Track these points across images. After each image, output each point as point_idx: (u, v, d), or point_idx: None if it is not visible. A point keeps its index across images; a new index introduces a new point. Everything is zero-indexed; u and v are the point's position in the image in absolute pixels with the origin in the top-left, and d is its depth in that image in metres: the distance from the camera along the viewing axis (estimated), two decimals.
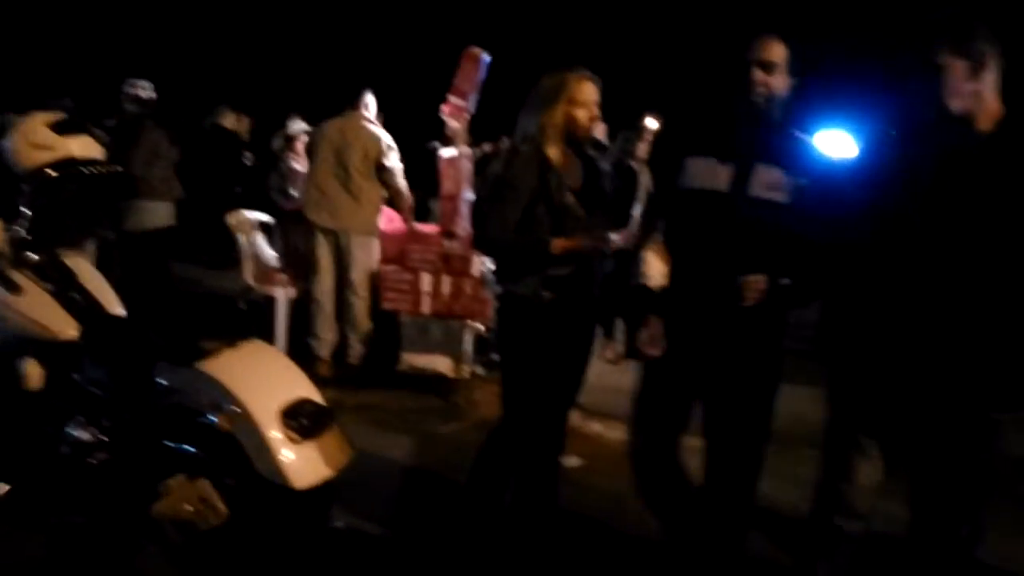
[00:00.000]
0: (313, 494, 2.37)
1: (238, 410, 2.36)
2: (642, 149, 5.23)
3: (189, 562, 2.53)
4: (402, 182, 4.74)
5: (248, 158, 5.82)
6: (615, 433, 4.04)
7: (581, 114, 2.60)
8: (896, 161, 2.07)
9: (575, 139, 2.65)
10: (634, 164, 5.19)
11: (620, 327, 5.41)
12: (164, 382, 2.56)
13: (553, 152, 2.61)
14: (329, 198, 4.60)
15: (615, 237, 5.11)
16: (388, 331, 4.73)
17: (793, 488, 3.44)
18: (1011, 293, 1.93)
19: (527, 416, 2.65)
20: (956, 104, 1.95)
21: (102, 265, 4.63)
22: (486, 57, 4.76)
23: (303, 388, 2.49)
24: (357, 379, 4.59)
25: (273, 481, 2.33)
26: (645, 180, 5.18)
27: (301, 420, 2.36)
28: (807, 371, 4.90)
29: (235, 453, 2.38)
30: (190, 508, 2.35)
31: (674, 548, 2.65)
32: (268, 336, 4.86)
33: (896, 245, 2.03)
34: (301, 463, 2.34)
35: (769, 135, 2.32)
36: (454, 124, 4.81)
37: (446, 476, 3.42)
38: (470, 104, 4.78)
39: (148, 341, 2.63)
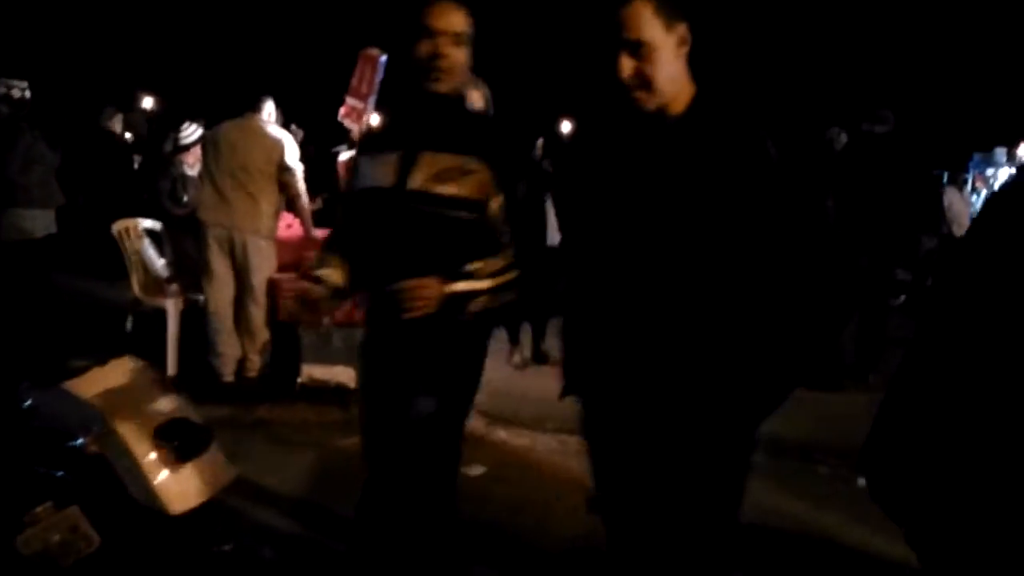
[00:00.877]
0: (191, 517, 2.25)
1: (108, 431, 2.22)
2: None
3: None
4: (302, 185, 4.60)
5: (136, 161, 5.54)
6: (520, 440, 4.04)
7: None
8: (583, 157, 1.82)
9: None
10: (540, 166, 5.24)
11: (526, 332, 5.45)
12: (30, 403, 2.39)
13: None
14: (227, 200, 4.41)
15: None
16: (288, 343, 4.58)
17: None
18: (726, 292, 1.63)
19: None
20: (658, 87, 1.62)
21: None
22: (383, 57, 4.69)
23: (178, 407, 2.36)
24: (255, 393, 4.43)
25: (147, 505, 2.21)
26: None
27: (175, 441, 2.24)
28: None
29: (107, 477, 2.24)
30: (58, 537, 2.19)
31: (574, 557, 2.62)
32: (159, 351, 4.65)
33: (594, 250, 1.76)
34: (177, 486, 2.23)
35: (442, 117, 2.03)
36: (351, 125, 4.73)
37: (346, 491, 3.31)
38: (369, 105, 4.70)
39: (12, 360, 2.45)
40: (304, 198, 4.64)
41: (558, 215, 4.40)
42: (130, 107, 8.14)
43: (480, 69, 2.41)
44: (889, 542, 3.02)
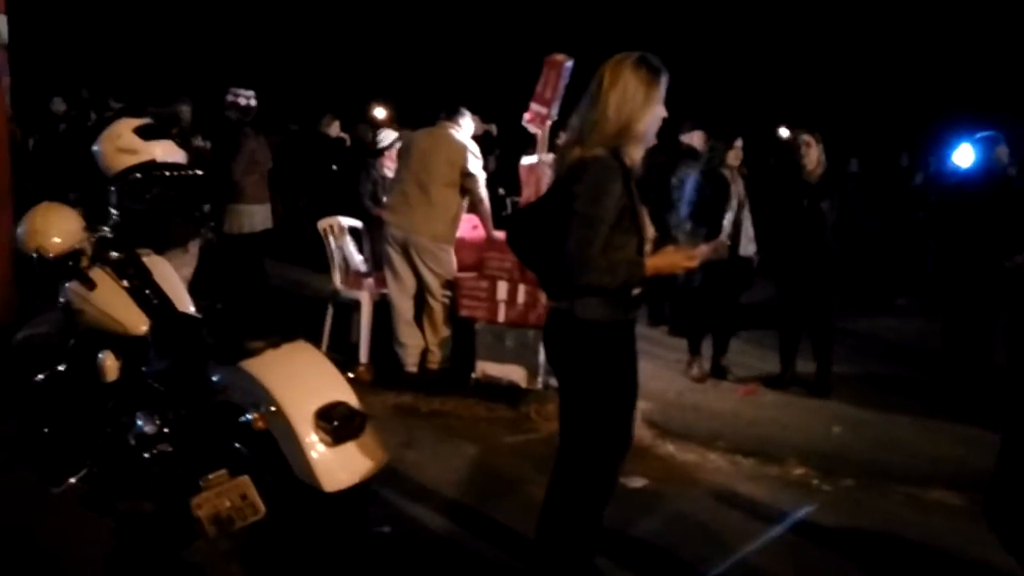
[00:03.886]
0: (346, 497, 2.36)
1: (274, 409, 2.39)
2: (732, 156, 5.01)
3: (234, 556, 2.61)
4: (483, 191, 4.74)
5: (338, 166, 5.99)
6: (688, 455, 3.86)
7: (660, 115, 2.33)
8: None
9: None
10: (725, 172, 4.99)
11: (707, 344, 5.21)
12: (214, 379, 2.63)
13: (633, 161, 2.33)
14: (409, 205, 4.65)
15: (704, 248, 4.94)
16: (466, 339, 4.72)
17: None
18: None
19: (593, 450, 2.41)
20: None
21: (204, 264, 4.92)
22: (569, 63, 4.70)
23: (340, 391, 2.49)
24: (434, 385, 4.61)
25: (306, 482, 2.34)
26: (738, 187, 4.98)
27: (334, 422, 2.36)
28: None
29: (272, 452, 2.41)
30: (228, 503, 2.39)
31: None
32: (351, 339, 4.98)
33: None
34: (332, 465, 2.34)
35: None
36: (535, 130, 4.78)
37: (505, 487, 3.36)
38: (553, 111, 4.73)
39: (201, 339, 2.71)
40: (486, 203, 4.76)
41: None
42: (362, 117, 8.78)
43: None
44: None
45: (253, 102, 5.47)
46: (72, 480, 2.96)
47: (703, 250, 5.12)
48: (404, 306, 4.76)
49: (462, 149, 4.66)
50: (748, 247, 4.97)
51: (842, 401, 4.73)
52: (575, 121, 2.39)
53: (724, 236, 4.83)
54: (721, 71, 11.36)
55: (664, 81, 2.31)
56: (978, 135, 5.28)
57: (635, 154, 2.31)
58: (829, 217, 4.73)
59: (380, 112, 9.47)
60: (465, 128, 4.82)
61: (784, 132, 6.22)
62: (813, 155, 4.78)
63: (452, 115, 4.78)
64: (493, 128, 7.41)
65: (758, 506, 3.34)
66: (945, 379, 5.15)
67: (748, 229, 4.97)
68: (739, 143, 5.01)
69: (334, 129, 7.65)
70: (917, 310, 7.58)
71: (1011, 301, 4.74)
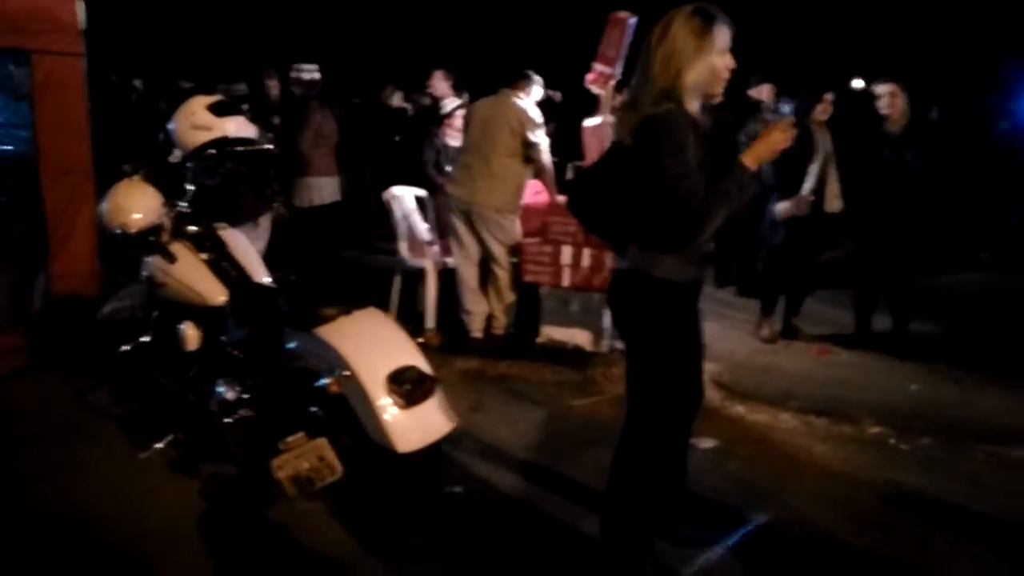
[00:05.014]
0: (416, 458, 2.42)
1: (348, 374, 2.46)
2: (820, 111, 4.84)
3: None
4: (547, 158, 4.71)
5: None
6: (758, 416, 3.82)
7: (721, 64, 2.25)
8: None
9: (709, 96, 2.30)
10: (811, 125, 4.84)
11: (781, 305, 5.10)
12: (291, 346, 2.72)
13: (695, 112, 2.26)
14: (471, 175, 4.67)
15: (787, 205, 4.81)
16: (530, 304, 4.74)
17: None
18: None
19: (663, 411, 2.40)
20: None
21: (276, 237, 5.07)
22: (632, 20, 4.60)
23: (410, 355, 2.55)
24: (500, 350, 4.66)
25: (379, 443, 2.42)
26: (824, 142, 4.82)
27: (405, 386, 2.42)
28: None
29: (347, 415, 2.49)
30: (307, 465, 2.49)
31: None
32: (418, 308, 5.06)
33: None
34: (404, 427, 2.40)
35: None
36: (599, 91, 4.72)
37: (573, 449, 3.39)
38: (617, 70, 4.65)
39: (277, 308, 2.80)
40: (549, 169, 4.75)
41: None
42: (419, 86, 8.81)
43: None
44: None
45: (317, 76, 5.55)
46: (159, 446, 3.12)
47: (785, 206, 4.98)
48: (469, 273, 4.81)
49: (523, 118, 4.64)
50: (834, 204, 4.81)
51: (920, 360, 4.58)
52: (633, 80, 2.36)
53: (807, 192, 4.70)
54: (790, 23, 10.94)
55: (722, 30, 2.22)
56: None
57: (691, 107, 2.23)
58: (913, 168, 4.54)
59: (440, 79, 9.50)
60: (533, 94, 4.79)
61: (858, 83, 6.00)
62: (898, 105, 4.58)
63: (515, 82, 4.76)
64: (557, 95, 7.33)
65: (831, 466, 3.29)
66: None
67: (834, 185, 4.80)
68: (829, 96, 4.82)
69: (396, 99, 7.69)
70: (1001, 265, 7.26)
71: None
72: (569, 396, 4.02)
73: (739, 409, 3.87)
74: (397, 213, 5.24)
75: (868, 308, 4.90)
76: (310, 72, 5.51)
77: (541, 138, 4.67)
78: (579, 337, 4.52)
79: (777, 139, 2.24)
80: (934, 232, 4.99)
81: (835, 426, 3.69)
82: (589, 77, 4.76)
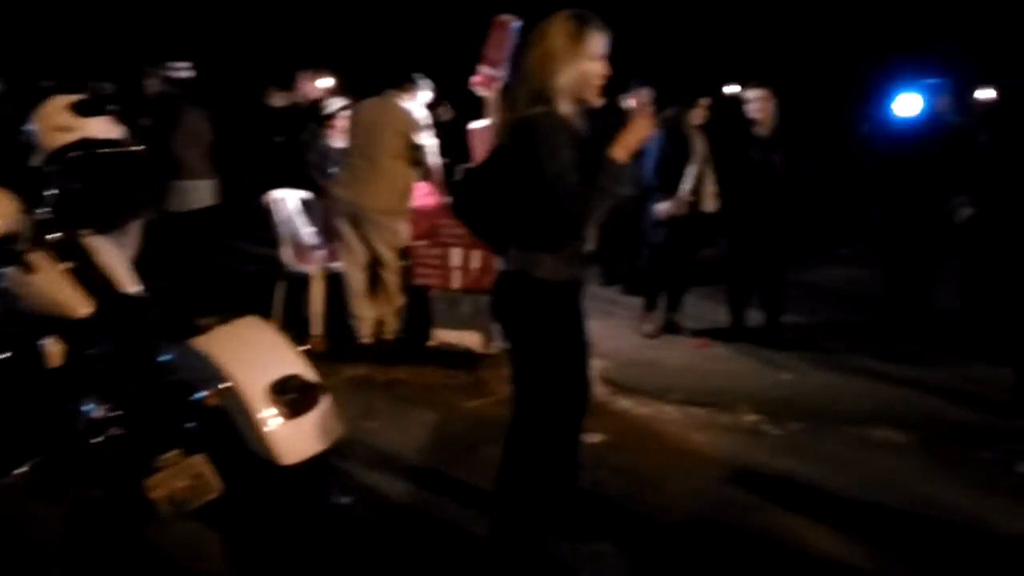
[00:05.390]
0: (302, 470, 2.36)
1: (228, 385, 2.37)
2: (695, 116, 5.06)
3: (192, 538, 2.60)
4: (434, 160, 4.70)
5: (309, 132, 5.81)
6: (643, 409, 3.94)
7: (594, 70, 2.29)
8: None
9: (582, 100, 2.34)
10: (688, 130, 5.04)
11: (663, 301, 5.29)
12: (163, 359, 2.59)
13: (569, 114, 2.30)
14: (357, 178, 4.61)
15: (667, 205, 5.01)
16: (420, 307, 4.72)
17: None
18: None
19: (548, 411, 2.44)
20: None
21: (148, 244, 4.80)
22: (516, 23, 4.65)
23: (293, 364, 2.47)
24: (390, 355, 4.61)
25: (262, 456, 2.34)
26: (700, 145, 5.03)
27: (290, 395, 2.35)
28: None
29: (226, 429, 2.40)
30: (184, 483, 2.38)
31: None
32: (303, 314, 4.94)
33: None
34: (288, 438, 2.33)
35: None
36: (485, 94, 4.74)
37: (466, 451, 3.39)
38: (502, 73, 4.69)
39: (149, 319, 2.66)
40: (437, 172, 4.74)
41: None
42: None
43: None
44: None
45: (189, 74, 5.31)
46: (20, 470, 2.90)
47: (665, 206, 5.20)
48: (357, 278, 4.73)
49: (408, 119, 4.61)
50: (710, 204, 5.05)
51: (791, 350, 4.87)
52: (511, 81, 2.41)
53: (686, 193, 4.92)
54: (667, 31, 11.37)
55: (596, 36, 2.28)
56: (921, 84, 5.40)
57: (564, 109, 2.28)
58: (781, 170, 4.81)
59: (323, 81, 9.29)
60: (419, 98, 4.77)
61: (730, 89, 6.35)
62: (767, 109, 4.85)
63: (401, 84, 4.72)
64: (447, 111, 7.26)
65: (711, 454, 3.44)
66: (887, 324, 5.33)
67: (710, 186, 5.04)
68: (704, 101, 5.07)
69: (278, 100, 7.47)
70: (860, 259, 7.79)
71: (964, 250, 4.91)
72: (461, 398, 4.02)
73: (625, 403, 3.98)
74: (279, 217, 5.09)
75: (742, 303, 5.16)
76: (182, 70, 5.27)
77: (427, 140, 4.65)
78: (470, 339, 4.53)
79: (641, 128, 2.28)
80: (800, 230, 5.32)
81: (714, 416, 3.86)
82: (475, 80, 4.79)
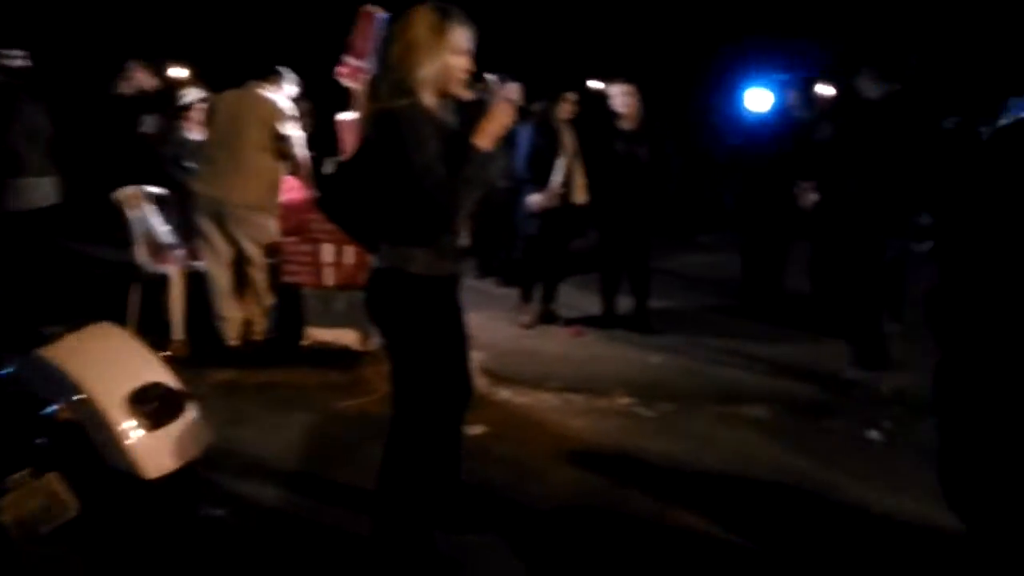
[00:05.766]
0: (169, 483, 2.23)
1: (81, 398, 2.20)
2: (564, 110, 5.15)
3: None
4: (301, 152, 4.55)
5: (150, 124, 5.46)
6: (523, 398, 3.99)
7: (457, 64, 2.27)
8: None
9: (446, 93, 2.32)
10: (556, 124, 5.13)
11: (538, 291, 5.38)
12: (5, 372, 2.37)
13: (432, 107, 2.27)
14: (218, 171, 4.39)
15: (539, 197, 5.10)
16: (292, 305, 4.55)
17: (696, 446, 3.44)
18: None
19: (428, 407, 2.41)
20: None
21: None
22: (382, 14, 4.57)
23: (153, 371, 2.33)
24: (261, 357, 4.43)
25: (124, 471, 2.19)
26: (569, 138, 5.13)
27: (151, 405, 2.21)
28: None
29: (82, 444, 2.22)
30: (36, 504, 2.18)
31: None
32: (166, 316, 4.66)
33: None
34: (151, 451, 2.20)
35: None
36: (352, 85, 4.64)
37: (346, 452, 3.31)
38: (369, 64, 4.60)
39: None
40: (305, 165, 4.59)
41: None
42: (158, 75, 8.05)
43: None
44: (898, 498, 2.93)
45: (24, 63, 4.87)
46: None
47: (537, 199, 5.29)
48: (222, 278, 4.51)
49: (274, 110, 4.44)
50: (580, 195, 5.16)
51: (659, 334, 5.07)
52: (376, 74, 2.37)
53: (556, 185, 5.01)
54: (530, 25, 11.53)
55: (459, 30, 2.27)
56: (770, 79, 5.75)
57: (428, 101, 2.25)
58: (645, 162, 4.99)
59: (177, 71, 8.79)
60: (285, 91, 4.60)
61: (594, 84, 6.53)
62: (632, 104, 5.01)
63: (266, 76, 4.54)
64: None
65: (590, 438, 3.53)
66: (746, 307, 5.67)
67: (579, 178, 5.15)
68: (572, 96, 5.17)
69: (129, 89, 6.99)
70: (718, 245, 8.22)
71: (812, 234, 5.26)
72: (338, 398, 3.92)
73: (505, 393, 4.02)
74: (132, 215, 4.77)
75: (613, 291, 5.32)
76: (16, 59, 4.82)
77: (294, 131, 4.50)
78: (346, 337, 4.41)
79: (501, 115, 2.27)
80: (663, 219, 5.54)
81: (590, 401, 3.97)
82: (341, 70, 4.67)
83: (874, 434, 3.57)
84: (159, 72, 8.04)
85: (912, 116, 4.14)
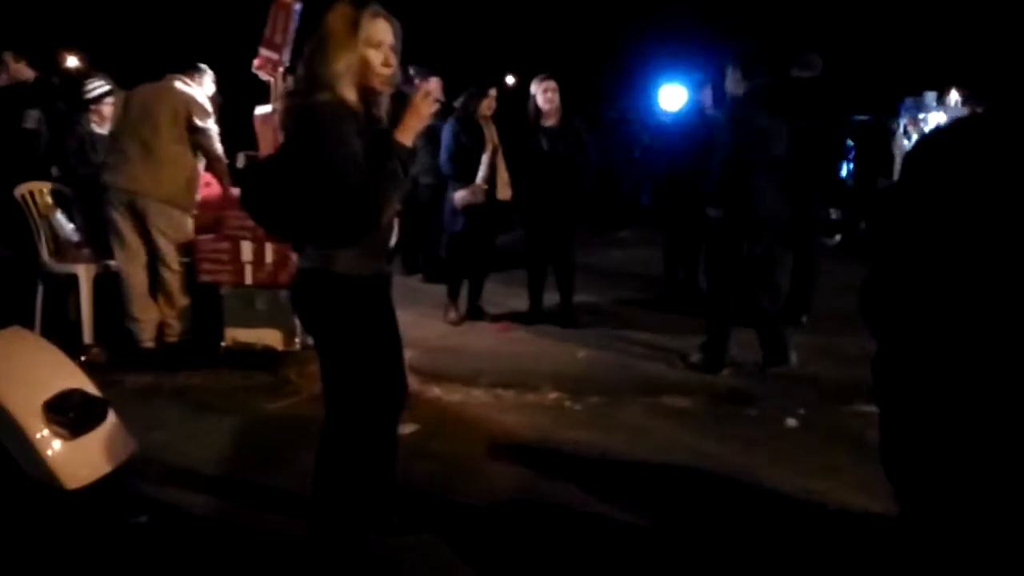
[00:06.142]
0: (90, 492, 2.12)
1: None
2: (486, 106, 5.15)
3: None
4: (217, 146, 4.40)
5: (32, 119, 5.18)
6: (454, 395, 3.98)
7: (375, 58, 2.21)
8: None
9: (367, 89, 2.26)
10: (479, 120, 5.12)
11: (464, 288, 5.37)
12: None
13: (353, 102, 2.22)
14: (131, 163, 4.21)
15: (463, 194, 5.09)
16: (210, 306, 4.40)
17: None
18: None
19: (361, 408, 2.37)
20: None
21: None
22: (297, 5, 4.48)
23: (71, 377, 2.22)
24: (177, 359, 4.27)
25: (43, 482, 2.07)
26: (491, 134, 5.13)
27: (69, 413, 2.10)
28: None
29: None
30: None
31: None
32: (73, 319, 4.44)
33: None
34: (71, 461, 2.10)
35: None
36: (266, 77, 4.53)
37: (273, 455, 3.23)
38: (284, 56, 4.50)
39: None
40: (221, 159, 4.44)
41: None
42: (52, 68, 7.64)
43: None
44: (811, 480, 3.07)
45: None
46: None
47: (462, 195, 5.28)
48: (136, 277, 4.32)
49: (188, 102, 4.29)
50: (504, 191, 5.16)
51: (585, 328, 5.15)
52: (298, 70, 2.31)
53: (480, 181, 5.00)
54: (448, 22, 11.50)
55: (375, 22, 2.22)
56: (684, 78, 5.91)
57: (347, 96, 2.19)
58: (567, 158, 5.05)
59: (73, 60, 8.36)
60: (204, 87, 4.47)
61: (510, 80, 6.60)
62: (555, 100, 5.05)
63: (183, 70, 4.41)
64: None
65: (521, 433, 3.55)
66: (667, 301, 5.81)
67: (503, 174, 5.15)
68: (493, 92, 5.17)
69: (20, 74, 6.56)
70: (638, 241, 8.42)
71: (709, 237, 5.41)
72: (262, 400, 3.82)
73: (436, 391, 4.00)
74: (35, 212, 4.51)
75: (539, 286, 5.37)
76: None
77: (210, 125, 4.35)
78: (268, 337, 4.30)
79: (421, 107, 2.24)
80: (584, 215, 5.62)
81: (520, 396, 4.00)
82: (256, 63, 4.56)
83: (790, 421, 3.73)
84: (59, 61, 7.64)
85: (779, 111, 4.21)
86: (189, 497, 2.88)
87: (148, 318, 4.35)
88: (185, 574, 2.44)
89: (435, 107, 2.29)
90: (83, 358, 4.01)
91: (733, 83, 4.29)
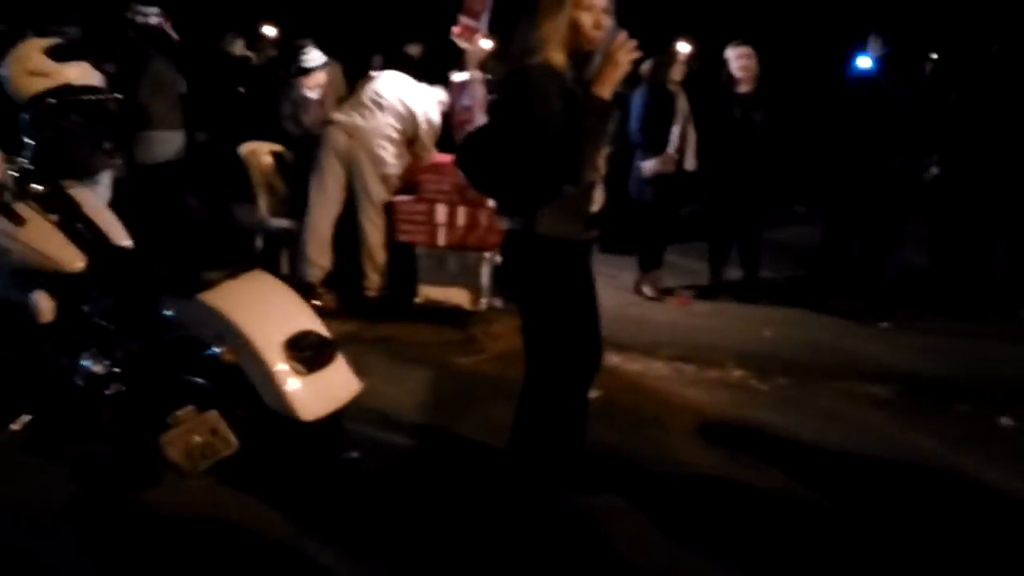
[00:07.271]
0: (320, 426, 2.34)
1: (241, 342, 2.32)
2: (677, 72, 5.04)
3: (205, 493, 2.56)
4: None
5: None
6: (633, 365, 3.99)
7: (586, 20, 2.23)
8: None
9: (579, 51, 2.28)
10: (670, 87, 5.03)
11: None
12: (169, 314, 2.52)
13: (561, 65, 2.25)
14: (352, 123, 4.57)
15: (653, 163, 5.02)
16: (406, 263, 4.66)
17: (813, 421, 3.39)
18: None
19: (560, 369, 2.45)
20: None
21: (117, 197, 4.62)
22: None
23: (307, 319, 2.44)
24: (375, 311, 4.56)
25: (280, 413, 2.31)
26: (682, 102, 5.02)
27: (305, 352, 2.32)
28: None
29: (242, 385, 2.35)
30: (199, 439, 2.33)
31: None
32: (280, 270, 4.83)
33: None
34: (307, 395, 2.31)
35: None
36: (464, 45, 4.65)
37: (463, 407, 3.40)
38: (483, 24, 4.60)
39: (151, 273, 2.58)
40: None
41: None
42: (254, 35, 8.30)
43: None
44: None
45: (158, 20, 5.05)
46: (14, 427, 2.80)
47: (652, 165, 5.21)
48: (322, 221, 4.62)
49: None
50: (692, 162, 5.05)
51: (768, 305, 4.97)
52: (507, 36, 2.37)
53: (671, 150, 4.92)
54: None
55: None
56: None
57: (556, 60, 2.23)
58: (760, 128, 4.85)
59: (271, 30, 8.99)
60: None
61: (684, 47, 6.31)
62: (751, 67, 4.85)
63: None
64: None
65: (703, 408, 3.51)
66: (856, 282, 5.46)
67: (692, 144, 5.04)
68: (682, 56, 5.04)
69: (238, 48, 7.19)
70: (815, 217, 7.93)
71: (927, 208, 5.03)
72: (453, 355, 4.01)
73: (615, 360, 4.01)
74: (255, 170, 4.95)
75: (721, 259, 5.23)
76: (151, 16, 5.01)
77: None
78: (457, 296, 4.50)
79: (619, 57, 2.19)
80: (775, 187, 5.37)
81: (702, 371, 3.94)
82: (455, 30, 4.68)
83: (1004, 420, 3.44)
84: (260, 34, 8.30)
85: None
86: (390, 438, 3.11)
87: (321, 264, 4.64)
88: (392, 509, 2.64)
89: (635, 55, 2.22)
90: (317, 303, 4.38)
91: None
